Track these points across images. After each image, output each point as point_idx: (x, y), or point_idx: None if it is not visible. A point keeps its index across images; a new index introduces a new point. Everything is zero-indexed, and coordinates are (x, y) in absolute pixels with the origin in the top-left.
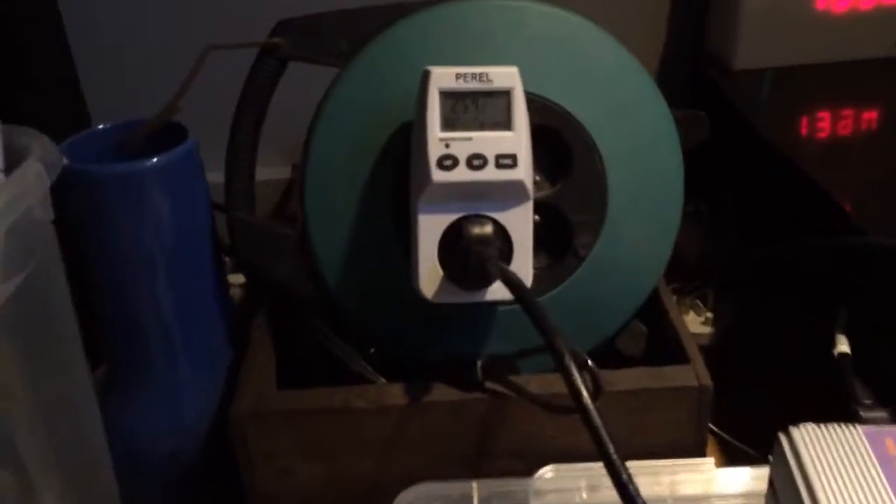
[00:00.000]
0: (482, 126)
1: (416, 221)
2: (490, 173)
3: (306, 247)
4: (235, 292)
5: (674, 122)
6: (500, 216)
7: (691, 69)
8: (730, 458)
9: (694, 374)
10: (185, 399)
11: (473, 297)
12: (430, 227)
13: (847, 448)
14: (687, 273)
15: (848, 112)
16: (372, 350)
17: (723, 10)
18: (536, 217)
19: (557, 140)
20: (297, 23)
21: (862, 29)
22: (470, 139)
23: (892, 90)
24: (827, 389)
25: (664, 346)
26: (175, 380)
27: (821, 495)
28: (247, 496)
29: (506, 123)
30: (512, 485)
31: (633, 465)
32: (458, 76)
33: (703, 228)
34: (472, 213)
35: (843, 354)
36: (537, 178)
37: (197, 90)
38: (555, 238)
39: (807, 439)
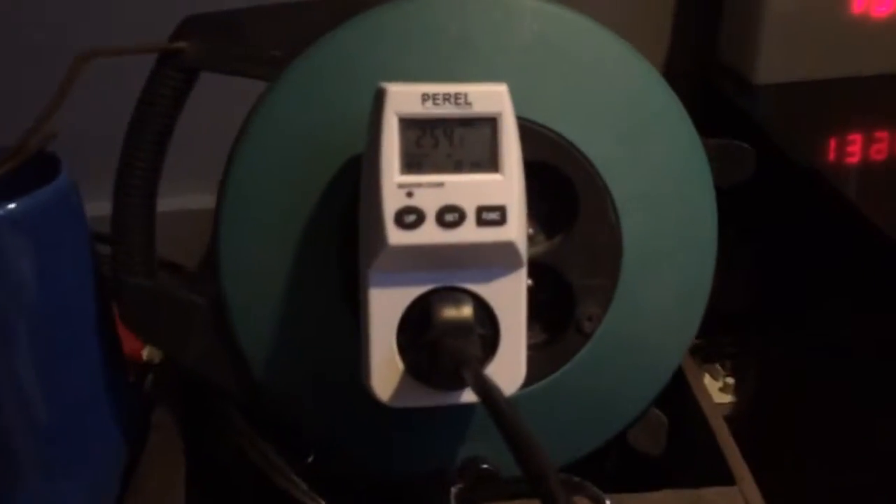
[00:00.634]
0: (458, 167)
1: (366, 297)
2: (469, 233)
3: (223, 320)
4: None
5: (706, 155)
6: (483, 289)
7: (700, 83)
8: None
9: (743, 500)
10: None
11: (443, 399)
12: (386, 306)
13: None
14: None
15: (892, 133)
16: (310, 458)
17: (740, 16)
18: (530, 281)
19: (557, 180)
20: (210, 20)
21: None
22: (441, 185)
23: None
24: None
25: (687, 436)
26: (49, 494)
27: None
28: None
29: (491, 163)
30: None
31: None
32: (425, 97)
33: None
34: (443, 285)
35: None
36: (531, 230)
37: (83, 109)
38: (553, 307)
39: None
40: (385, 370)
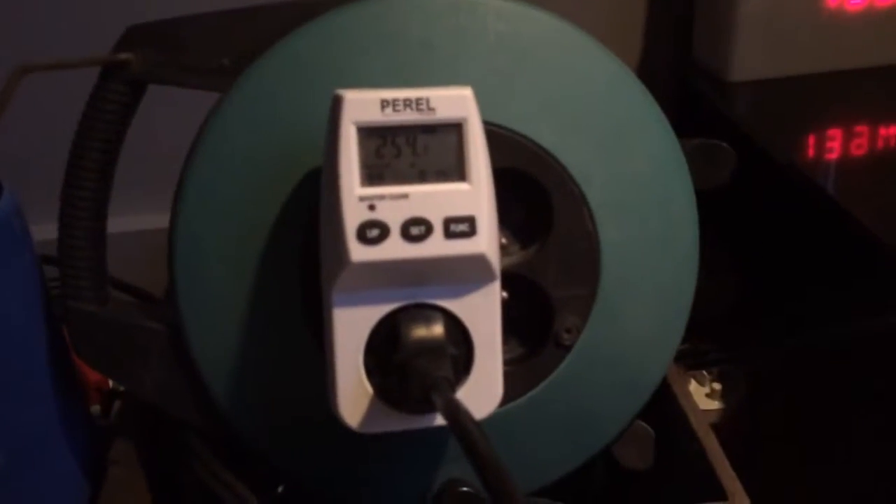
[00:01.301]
0: (423, 176)
1: (330, 319)
2: (437, 246)
3: (181, 347)
4: None
5: (684, 157)
6: (454, 305)
7: (675, 82)
8: None
9: None
10: None
11: (416, 423)
12: (352, 327)
13: None
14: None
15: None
16: (280, 489)
17: (713, 14)
18: (504, 294)
19: (530, 188)
20: (155, 30)
21: (881, 30)
22: (405, 197)
23: None
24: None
25: (675, 449)
26: None
27: None
28: None
29: (457, 172)
30: None
31: None
32: (384, 103)
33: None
34: (411, 302)
35: None
36: (504, 240)
37: (26, 126)
38: (531, 320)
39: None
40: (353, 395)
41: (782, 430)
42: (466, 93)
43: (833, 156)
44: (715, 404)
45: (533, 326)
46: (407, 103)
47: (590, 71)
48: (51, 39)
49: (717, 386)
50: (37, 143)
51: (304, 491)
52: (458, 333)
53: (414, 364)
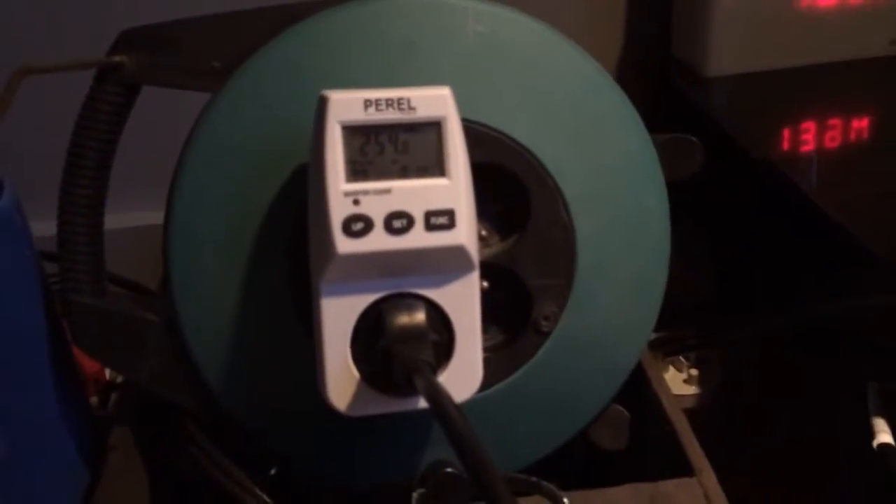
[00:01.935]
0: (404, 172)
1: (318, 308)
2: (418, 238)
3: (177, 337)
4: None
5: (655, 151)
6: (436, 294)
7: (654, 78)
8: None
9: (703, 495)
10: None
11: (401, 406)
12: (339, 316)
13: None
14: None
15: (845, 120)
16: (273, 471)
17: (690, 9)
18: (484, 283)
19: (509, 181)
20: (148, 33)
21: (853, 25)
22: (388, 191)
23: (891, 94)
24: (866, 482)
25: (649, 430)
26: None
27: None
28: None
29: (437, 167)
30: None
31: None
32: (367, 103)
33: (674, 263)
34: (395, 291)
35: (885, 446)
36: (483, 231)
37: (27, 125)
38: (510, 308)
39: None
40: (341, 380)
41: (756, 413)
42: (445, 92)
43: (807, 148)
44: (692, 389)
45: (512, 314)
46: (389, 103)
47: (564, 70)
48: (51, 40)
49: (694, 372)
50: (37, 141)
51: (296, 472)
52: (440, 321)
53: (397, 349)
